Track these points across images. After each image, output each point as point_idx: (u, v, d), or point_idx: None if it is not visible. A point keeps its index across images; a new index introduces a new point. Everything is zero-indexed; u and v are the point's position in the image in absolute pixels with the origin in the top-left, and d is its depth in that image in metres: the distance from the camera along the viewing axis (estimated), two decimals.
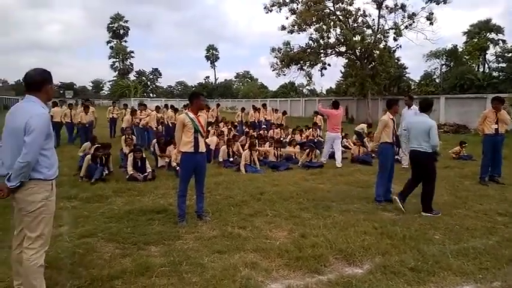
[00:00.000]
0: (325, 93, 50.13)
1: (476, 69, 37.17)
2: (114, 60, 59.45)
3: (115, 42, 59.10)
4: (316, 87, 57.23)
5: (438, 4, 24.74)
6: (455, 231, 4.77)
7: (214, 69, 69.55)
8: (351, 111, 28.30)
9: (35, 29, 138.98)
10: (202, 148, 4.95)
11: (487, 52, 37.77)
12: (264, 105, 17.70)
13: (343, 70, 34.91)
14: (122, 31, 58.23)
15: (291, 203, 5.91)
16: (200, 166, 4.99)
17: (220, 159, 9.35)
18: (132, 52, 60.40)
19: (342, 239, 4.33)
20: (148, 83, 71.41)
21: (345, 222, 5.00)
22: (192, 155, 4.87)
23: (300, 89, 60.41)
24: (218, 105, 18.64)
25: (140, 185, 7.05)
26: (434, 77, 40.29)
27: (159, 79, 75.12)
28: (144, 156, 7.92)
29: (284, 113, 17.54)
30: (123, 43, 60.28)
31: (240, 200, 5.98)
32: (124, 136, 9.74)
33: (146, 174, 7.58)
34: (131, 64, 61.42)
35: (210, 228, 4.77)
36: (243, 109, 17.83)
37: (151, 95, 71.57)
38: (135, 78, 66.21)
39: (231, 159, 9.27)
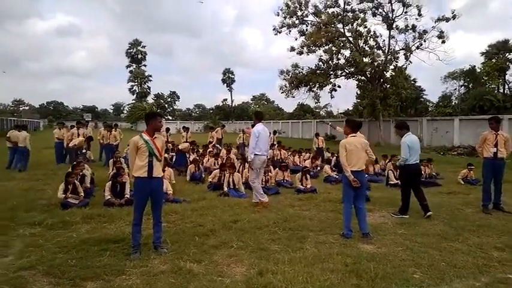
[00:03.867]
0: (343, 115, 49.64)
1: (496, 90, 35.95)
2: (133, 84, 61.03)
3: (134, 67, 60.76)
4: (333, 109, 57.00)
5: (448, 22, 24.25)
6: (439, 269, 4.17)
7: (231, 92, 70.43)
8: (363, 133, 27.52)
9: (62, 55, 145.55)
10: (157, 173, 4.58)
11: (506, 73, 36.54)
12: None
13: (358, 92, 34.53)
14: (139, 56, 59.98)
15: (263, 233, 5.42)
16: (156, 192, 4.62)
17: (208, 183, 8.99)
18: (150, 76, 62.03)
19: (302, 278, 3.81)
20: (166, 105, 72.72)
21: (315, 257, 4.48)
22: (146, 180, 4.51)
23: (317, 110, 60.15)
24: (223, 126, 18.41)
25: (114, 211, 6.70)
26: (453, 98, 39.22)
27: (176, 102, 76.63)
28: (124, 180, 7.61)
29: (274, 132, 17.07)
30: (142, 67, 61.91)
31: (209, 229, 5.53)
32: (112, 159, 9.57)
33: (124, 199, 7.25)
34: (149, 88, 62.93)
35: (162, 261, 4.34)
36: (243, 131, 17.51)
37: (169, 117, 72.88)
38: (153, 101, 67.64)
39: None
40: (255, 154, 7.19)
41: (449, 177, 11.20)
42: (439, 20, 24.23)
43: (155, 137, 4.64)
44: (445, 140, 22.75)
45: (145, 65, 61.84)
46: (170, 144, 13.90)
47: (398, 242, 5.14)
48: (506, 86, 37.12)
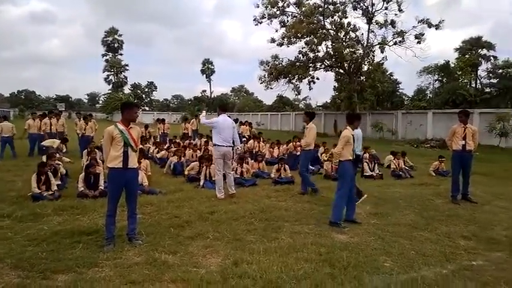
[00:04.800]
0: (321, 107, 50.10)
1: (469, 85, 37.07)
2: (109, 73, 59.36)
3: (110, 56, 59.10)
4: (312, 101, 57.41)
5: (430, 27, 24.71)
6: (409, 258, 4.31)
7: (210, 83, 69.61)
8: (339, 126, 27.96)
9: (35, 43, 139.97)
10: (133, 164, 4.51)
11: (478, 68, 37.71)
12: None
13: (336, 85, 34.88)
14: (116, 44, 58.24)
15: (240, 224, 5.44)
16: (130, 183, 4.55)
17: (186, 172, 8.95)
18: (127, 65, 60.48)
19: (277, 267, 3.87)
20: (143, 96, 71.38)
21: (289, 246, 4.54)
22: (120, 171, 4.44)
23: (296, 103, 60.44)
24: (196, 116, 18.25)
25: (87, 203, 6.56)
26: (428, 92, 40.21)
27: (154, 92, 75.30)
28: (98, 172, 7.45)
29: (250, 124, 17.12)
30: (119, 57, 60.32)
31: (184, 221, 5.51)
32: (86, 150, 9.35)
33: (98, 190, 7.11)
34: (125, 77, 61.38)
35: (137, 253, 4.29)
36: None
37: (146, 108, 71.57)
38: (130, 91, 66.20)
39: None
40: (215, 145, 7.15)
41: (421, 169, 11.54)
42: (421, 21, 24.59)
43: (131, 127, 4.56)
44: (418, 133, 23.38)
45: (121, 54, 60.32)
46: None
47: (371, 231, 5.27)
48: (478, 81, 38.34)
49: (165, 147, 12.64)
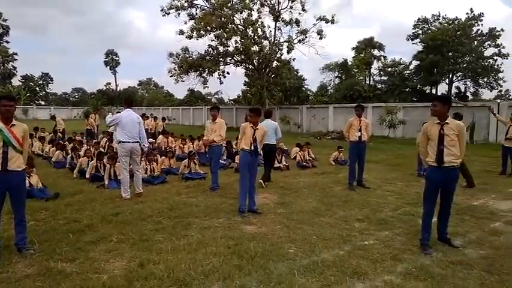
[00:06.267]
0: (233, 102, 50.65)
1: (364, 82, 41.04)
2: None
3: None
4: (224, 96, 57.76)
5: (327, 23, 26.57)
6: (311, 243, 4.62)
7: (115, 75, 65.21)
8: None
9: None
10: (16, 165, 3.99)
11: (371, 66, 41.98)
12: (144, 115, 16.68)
13: (247, 79, 35.59)
14: (0, 30, 50.94)
15: (147, 224, 5.24)
16: (14, 187, 4.03)
17: (87, 175, 8.27)
18: (15, 54, 53.36)
19: (185, 265, 3.82)
20: (37, 89, 64.12)
21: (199, 242, 4.52)
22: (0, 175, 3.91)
23: (209, 97, 60.17)
24: (98, 109, 17.08)
25: None
26: (329, 88, 43.42)
27: (50, 85, 68.10)
28: None
29: (163, 119, 16.72)
30: (4, 44, 52.85)
31: (85, 225, 5.11)
32: None
33: None
34: (14, 68, 54.18)
35: (28, 264, 3.85)
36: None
37: (41, 102, 64.41)
38: (20, 83, 58.83)
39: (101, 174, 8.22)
40: (119, 142, 6.79)
41: (323, 159, 12.44)
42: (320, 19, 26.31)
43: (13, 124, 4.04)
44: (321, 126, 25.20)
45: (8, 42, 52.94)
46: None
47: (277, 220, 5.52)
48: (371, 78, 42.68)
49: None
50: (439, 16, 37.81)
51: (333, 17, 26.35)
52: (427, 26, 38.15)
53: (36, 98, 63.87)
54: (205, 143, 7.49)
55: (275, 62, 26.89)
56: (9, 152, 3.93)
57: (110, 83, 68.10)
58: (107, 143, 11.61)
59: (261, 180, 7.76)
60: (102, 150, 10.19)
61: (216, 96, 60.87)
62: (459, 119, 9.35)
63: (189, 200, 6.70)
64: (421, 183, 4.96)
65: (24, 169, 4.22)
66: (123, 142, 6.70)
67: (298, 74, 41.32)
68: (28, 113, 46.81)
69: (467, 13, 35.45)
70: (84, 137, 14.02)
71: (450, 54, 34.41)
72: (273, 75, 27.49)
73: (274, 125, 8.53)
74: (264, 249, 4.31)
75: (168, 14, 26.46)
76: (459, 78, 38.00)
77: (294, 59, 27.87)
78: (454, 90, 38.56)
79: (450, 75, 37.07)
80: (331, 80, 44.43)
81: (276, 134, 8.38)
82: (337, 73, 43.42)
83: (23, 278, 3.55)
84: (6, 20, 51.68)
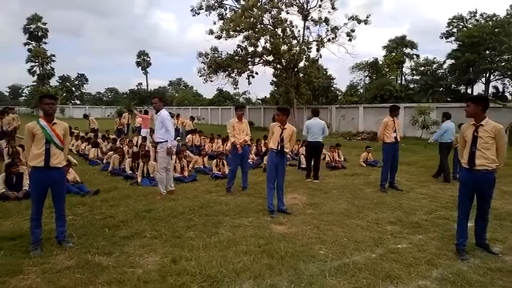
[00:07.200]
0: (260, 101, 50.77)
1: (395, 81, 40.02)
2: (33, 64, 54.28)
3: (33, 45, 54.02)
4: (251, 96, 57.95)
5: (359, 23, 26.00)
6: (342, 245, 4.56)
7: (146, 76, 67.01)
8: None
9: None
10: (57, 162, 4.18)
11: (403, 65, 40.87)
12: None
13: (275, 80, 35.50)
14: (39, 33, 53.27)
15: (179, 221, 5.35)
16: (55, 183, 4.23)
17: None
18: (53, 56, 55.72)
19: (216, 262, 3.88)
20: (73, 89, 66.82)
21: (229, 241, 4.57)
22: (43, 171, 4.11)
23: (236, 97, 60.57)
24: (131, 111, 17.55)
25: (10, 205, 6.01)
26: (359, 87, 42.66)
27: (85, 85, 70.82)
28: (21, 171, 6.84)
29: (192, 118, 16.93)
30: (43, 46, 55.35)
31: (120, 220, 5.28)
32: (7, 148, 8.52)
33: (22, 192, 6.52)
34: (52, 69, 56.59)
35: (68, 257, 4.03)
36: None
37: (77, 101, 67.07)
38: (58, 83, 61.42)
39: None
40: (158, 142, 6.83)
41: (353, 160, 12.23)
42: (351, 18, 25.76)
43: (55, 123, 4.23)
44: (351, 126, 24.76)
45: (46, 43, 55.31)
46: None
47: (307, 221, 5.49)
48: (403, 78, 41.57)
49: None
50: (476, 13, 36.32)
51: (367, 17, 25.68)
52: (462, 24, 36.72)
53: (72, 97, 66.60)
54: (241, 144, 7.39)
55: (303, 61, 26.62)
56: (51, 149, 4.13)
57: (141, 83, 70.04)
58: (141, 143, 11.89)
59: (310, 179, 8.59)
60: (136, 149, 10.46)
61: (244, 96, 61.21)
62: (446, 118, 9.03)
63: (219, 199, 6.78)
64: (456, 187, 4.78)
65: (65, 166, 4.42)
66: (163, 142, 6.76)
67: (327, 74, 40.87)
68: (65, 112, 48.83)
69: (507, 9, 33.82)
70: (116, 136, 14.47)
71: (487, 52, 32.94)
72: (301, 75, 27.23)
73: (322, 123, 8.86)
74: (294, 249, 4.31)
75: (198, 14, 26.80)
76: (497, 77, 36.33)
77: (320, 56, 27.36)
78: (491, 89, 36.94)
79: (487, 75, 35.51)
80: (361, 79, 43.70)
81: (324, 132, 8.78)
82: (367, 72, 42.61)
83: (64, 269, 3.72)
84: (46, 23, 54.12)
